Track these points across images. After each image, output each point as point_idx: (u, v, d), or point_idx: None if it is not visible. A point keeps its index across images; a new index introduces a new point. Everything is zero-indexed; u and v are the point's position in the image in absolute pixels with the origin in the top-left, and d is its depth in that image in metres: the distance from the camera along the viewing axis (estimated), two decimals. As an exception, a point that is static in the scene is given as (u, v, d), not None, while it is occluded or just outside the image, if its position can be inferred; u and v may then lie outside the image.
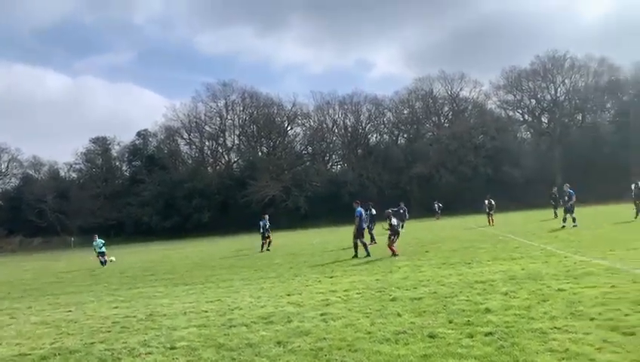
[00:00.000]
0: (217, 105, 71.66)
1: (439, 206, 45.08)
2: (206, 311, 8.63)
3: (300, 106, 71.57)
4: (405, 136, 72.41)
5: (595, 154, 56.29)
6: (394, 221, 15.28)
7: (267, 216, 24.62)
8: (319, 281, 11.16)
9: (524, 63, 68.66)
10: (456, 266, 11.63)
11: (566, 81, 66.16)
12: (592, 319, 5.87)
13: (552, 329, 5.61)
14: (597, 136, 61.01)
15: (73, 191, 69.40)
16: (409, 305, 7.61)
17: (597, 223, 21.49)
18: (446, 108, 72.64)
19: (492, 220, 27.89)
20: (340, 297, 8.85)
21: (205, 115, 71.88)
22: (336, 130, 72.73)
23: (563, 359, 4.60)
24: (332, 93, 72.32)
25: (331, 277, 11.61)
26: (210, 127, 72.54)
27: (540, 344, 5.10)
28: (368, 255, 15.50)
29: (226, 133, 73.00)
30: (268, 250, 22.55)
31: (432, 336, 5.76)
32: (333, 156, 74.59)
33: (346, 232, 32.48)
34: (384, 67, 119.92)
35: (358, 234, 15.93)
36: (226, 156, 74.13)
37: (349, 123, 72.11)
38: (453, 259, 13.12)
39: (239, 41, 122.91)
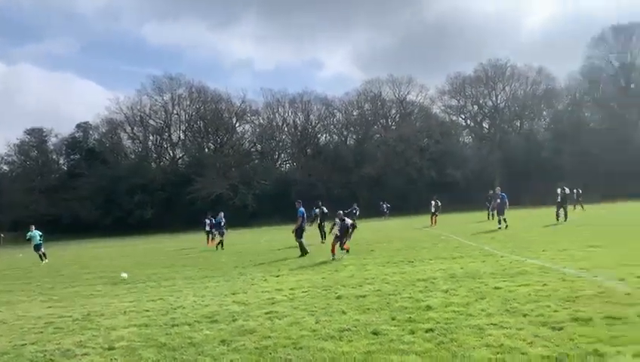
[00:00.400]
0: (163, 99, 69.56)
1: (387, 206, 46.12)
2: (147, 311, 8.39)
3: (249, 103, 70.77)
4: (354, 137, 73.26)
5: (532, 160, 59.23)
6: (348, 221, 14.95)
7: (222, 213, 24.08)
8: (265, 280, 11.11)
9: (469, 70, 71.24)
10: (399, 265, 11.91)
11: (506, 88, 69.26)
12: (525, 315, 6.18)
13: (488, 325, 5.86)
14: (534, 142, 64.28)
15: (4, 184, 65.38)
16: (354, 303, 7.72)
17: (532, 225, 22.62)
18: (393, 111, 74.14)
19: (435, 221, 28.78)
20: (285, 296, 8.85)
21: (150, 108, 69.58)
22: (285, 129, 72.51)
23: (498, 353, 4.82)
24: (282, 91, 72.01)
25: (277, 276, 11.59)
26: (154, 121, 70.32)
27: (477, 339, 5.32)
28: (306, 253, 15.64)
29: (172, 128, 70.94)
30: (222, 248, 22.00)
31: (375, 333, 5.87)
32: (282, 155, 74.33)
33: (293, 231, 32.37)
34: (335, 67, 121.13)
35: (299, 234, 15.98)
36: (171, 151, 72.16)
37: (298, 122, 72.10)
38: (397, 257, 13.42)
39: (190, 34, 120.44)
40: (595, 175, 51.44)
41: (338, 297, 8.32)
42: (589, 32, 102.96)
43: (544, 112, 70.01)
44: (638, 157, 53.95)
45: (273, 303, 8.23)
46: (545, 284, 7.99)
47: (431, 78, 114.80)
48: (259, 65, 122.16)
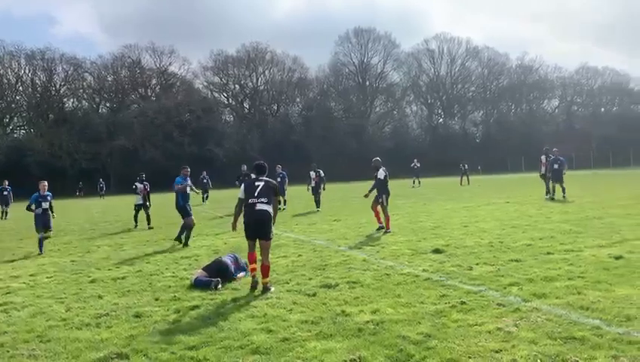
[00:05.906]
0: None
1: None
2: None
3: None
4: (108, 105, 67.07)
5: (286, 141, 63.99)
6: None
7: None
8: (-5, 266, 9.36)
9: (231, 50, 72.16)
10: (160, 243, 11.51)
11: (266, 72, 72.89)
12: (285, 284, 6.69)
13: (253, 297, 6.15)
14: (288, 125, 69.53)
15: None
16: (112, 286, 7.15)
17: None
18: (154, 81, 70.45)
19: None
20: (25, 283, 7.63)
21: None
22: (21, 88, 61.74)
23: (262, 323, 5.09)
24: (18, 44, 60.70)
25: (12, 261, 9.89)
26: None
27: (243, 311, 5.53)
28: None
29: None
30: None
31: (137, 316, 5.55)
32: (16, 119, 63.35)
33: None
34: (72, 26, 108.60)
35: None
36: None
37: (38, 82, 62.19)
38: (157, 236, 12.93)
39: None
40: (338, 158, 58.61)
41: (92, 281, 7.57)
42: (336, 29, 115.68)
43: (297, 99, 76.18)
44: (368, 144, 63.69)
45: (8, 293, 7.01)
46: (300, 255, 8.78)
47: (194, 52, 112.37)
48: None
